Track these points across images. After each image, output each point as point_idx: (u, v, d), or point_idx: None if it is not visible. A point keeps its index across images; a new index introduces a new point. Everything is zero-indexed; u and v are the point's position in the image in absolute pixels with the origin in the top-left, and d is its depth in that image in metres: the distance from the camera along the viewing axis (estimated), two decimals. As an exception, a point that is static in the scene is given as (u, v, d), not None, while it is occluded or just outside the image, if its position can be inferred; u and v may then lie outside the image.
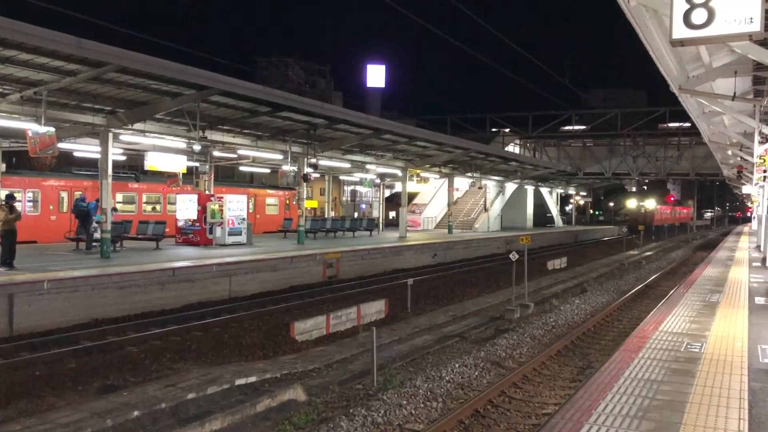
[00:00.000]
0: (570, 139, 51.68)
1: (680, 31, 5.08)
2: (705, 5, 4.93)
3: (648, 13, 8.76)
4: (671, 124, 45.67)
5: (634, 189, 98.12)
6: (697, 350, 7.80)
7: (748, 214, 78.80)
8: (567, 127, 51.77)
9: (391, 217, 48.93)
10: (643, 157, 47.61)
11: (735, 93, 12.34)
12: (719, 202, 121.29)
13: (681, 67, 11.90)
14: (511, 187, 44.15)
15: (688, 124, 38.40)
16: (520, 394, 8.72)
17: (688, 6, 5.00)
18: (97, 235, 17.63)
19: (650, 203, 69.24)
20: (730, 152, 25.62)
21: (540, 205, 52.56)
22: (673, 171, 47.86)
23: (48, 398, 8.15)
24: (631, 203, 72.47)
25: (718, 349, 7.83)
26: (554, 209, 55.77)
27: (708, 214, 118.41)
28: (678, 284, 16.88)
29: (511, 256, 15.39)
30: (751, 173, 24.38)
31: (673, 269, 26.68)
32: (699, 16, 4.97)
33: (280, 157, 22.80)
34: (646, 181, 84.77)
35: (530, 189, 48.71)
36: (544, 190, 52.78)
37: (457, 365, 9.76)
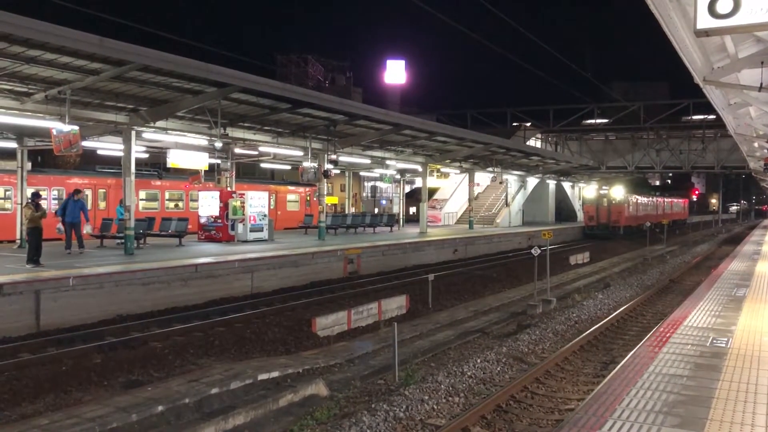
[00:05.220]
0: (592, 133, 51.21)
1: (705, 21, 4.99)
2: (730, -6, 4.83)
3: (671, 3, 8.60)
4: (695, 117, 44.98)
5: (657, 183, 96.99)
6: (723, 345, 7.68)
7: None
8: (589, 121, 51.29)
9: (411, 213, 48.92)
10: (666, 150, 46.96)
11: (762, 84, 12.09)
12: (745, 195, 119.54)
13: (705, 58, 11.69)
14: (532, 181, 43.87)
15: (712, 117, 37.85)
16: (543, 389, 8.66)
17: (713, -5, 4.90)
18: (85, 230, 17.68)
19: (617, 191, 43.69)
20: (756, 144, 25.13)
21: (562, 199, 52.09)
22: (697, 164, 47.16)
23: (74, 393, 8.28)
24: (589, 192, 46.09)
25: (745, 344, 7.70)
26: (576, 204, 55.30)
27: (734, 208, 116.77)
28: (703, 279, 16.64)
29: (533, 251, 15.27)
30: (778, 166, 23.90)
31: (698, 263, 26.30)
32: (724, 5, 4.88)
33: (300, 153, 22.89)
34: (670, 174, 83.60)
35: (552, 183, 48.35)
36: (566, 185, 52.35)
37: (479, 361, 9.71)
